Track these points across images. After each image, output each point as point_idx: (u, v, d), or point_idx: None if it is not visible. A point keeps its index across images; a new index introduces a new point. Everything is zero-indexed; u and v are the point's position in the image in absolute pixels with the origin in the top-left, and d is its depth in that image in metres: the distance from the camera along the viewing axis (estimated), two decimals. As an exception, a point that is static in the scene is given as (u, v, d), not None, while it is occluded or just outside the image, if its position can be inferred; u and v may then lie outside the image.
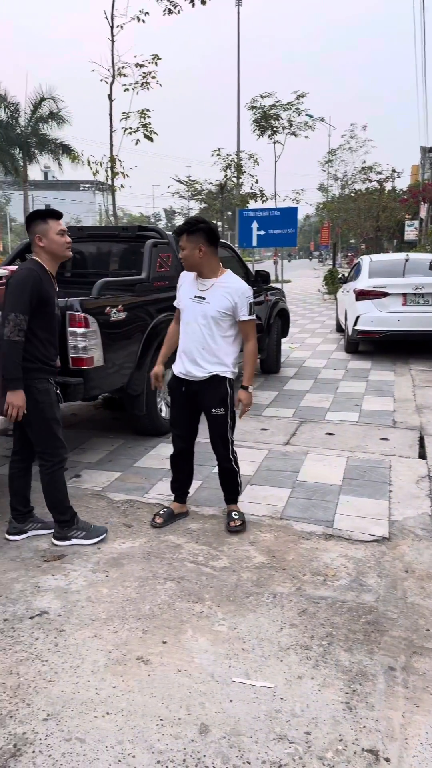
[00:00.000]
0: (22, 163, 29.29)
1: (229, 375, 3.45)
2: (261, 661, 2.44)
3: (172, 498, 3.82)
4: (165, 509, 3.71)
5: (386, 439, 5.26)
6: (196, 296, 3.42)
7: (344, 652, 2.49)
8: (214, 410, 3.46)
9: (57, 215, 3.26)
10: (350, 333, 9.40)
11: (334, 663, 2.42)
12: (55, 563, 3.17)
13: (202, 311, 3.40)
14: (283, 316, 8.34)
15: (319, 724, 2.11)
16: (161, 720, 2.12)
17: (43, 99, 27.43)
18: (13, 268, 3.88)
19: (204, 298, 3.39)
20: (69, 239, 3.26)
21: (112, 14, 11.07)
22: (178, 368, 3.54)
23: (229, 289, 3.36)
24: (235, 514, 3.59)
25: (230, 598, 2.86)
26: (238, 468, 3.61)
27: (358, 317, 9.04)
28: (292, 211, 13.82)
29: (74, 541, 3.33)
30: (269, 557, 3.24)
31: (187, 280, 3.52)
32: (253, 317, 3.43)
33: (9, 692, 2.25)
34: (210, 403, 3.46)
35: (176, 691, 2.26)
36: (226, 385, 3.44)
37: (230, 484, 3.63)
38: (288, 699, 2.23)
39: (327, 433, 5.45)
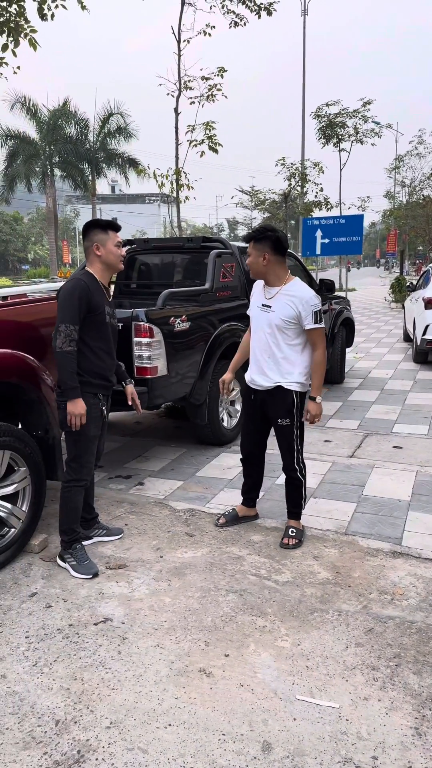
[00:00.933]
0: (90, 178, 30.21)
1: (295, 387, 3.38)
2: (325, 680, 2.37)
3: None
4: (230, 510, 3.78)
5: (457, 453, 5.06)
6: (263, 305, 3.42)
7: (413, 674, 2.39)
8: (279, 420, 3.43)
9: (116, 227, 3.30)
10: (419, 342, 9.14)
11: (403, 686, 2.33)
12: (118, 570, 3.20)
13: (267, 320, 3.38)
14: (348, 325, 8.20)
15: (386, 749, 2.03)
16: (223, 735, 2.09)
17: (111, 114, 28.29)
18: None
19: (269, 307, 3.38)
20: (124, 252, 3.31)
21: (179, 29, 11.28)
22: (248, 376, 3.55)
23: (294, 298, 3.32)
24: (292, 531, 3.50)
25: (293, 613, 2.81)
26: (304, 479, 3.55)
27: (427, 326, 8.79)
28: (358, 219, 13.62)
29: (66, 565, 3.22)
30: (334, 573, 3.16)
31: (257, 289, 3.52)
32: (320, 325, 3.36)
33: (73, 698, 2.28)
34: (276, 414, 3.44)
35: (239, 706, 2.23)
36: (292, 396, 3.39)
37: (294, 495, 3.56)
38: (354, 721, 2.16)
39: (394, 446, 5.29)
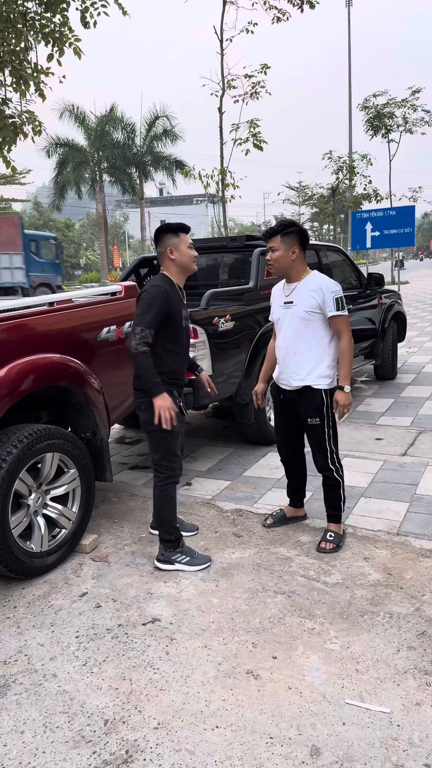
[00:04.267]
0: (138, 182, 30.61)
1: (323, 385, 3.30)
2: (376, 684, 2.32)
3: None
4: (278, 511, 3.75)
5: None
6: (285, 302, 3.38)
7: (468, 681, 2.30)
8: (309, 420, 3.37)
9: (186, 229, 3.31)
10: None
11: (457, 693, 2.25)
12: (166, 570, 3.22)
13: (291, 315, 3.34)
14: (399, 320, 8.00)
15: (440, 758, 1.96)
16: (271, 738, 2.07)
17: (157, 117, 28.58)
18: (128, 283, 4.03)
19: (291, 302, 3.33)
20: (196, 253, 3.32)
21: (222, 29, 11.28)
22: (275, 376, 3.52)
23: (313, 287, 3.27)
24: (330, 535, 3.40)
25: (343, 615, 2.76)
26: (341, 479, 3.44)
27: None
28: (409, 210, 13.31)
29: (177, 566, 3.23)
30: (385, 575, 3.09)
31: (276, 292, 3.50)
32: (343, 312, 3.26)
33: (122, 698, 2.30)
34: (305, 413, 3.38)
35: (286, 709, 2.20)
36: (321, 395, 3.31)
37: (332, 497, 3.44)
38: (405, 726, 2.10)
39: (448, 443, 5.13)
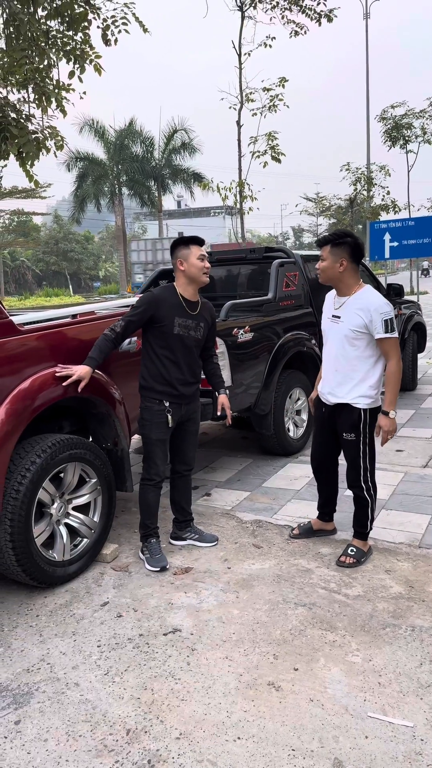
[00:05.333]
0: (157, 194, 30.90)
1: (362, 404, 3.22)
2: (399, 698, 2.30)
3: (302, 520, 3.77)
4: (305, 522, 3.74)
5: None
6: (333, 315, 3.32)
7: None
8: (345, 434, 3.31)
9: (199, 242, 3.42)
10: None
11: None
12: (186, 581, 3.23)
13: (337, 331, 3.26)
14: (419, 330, 7.96)
15: (465, 774, 1.94)
16: (293, 750, 2.07)
17: (175, 131, 28.88)
18: None
19: (339, 317, 3.26)
20: (208, 264, 3.40)
21: (240, 43, 11.42)
22: (319, 388, 3.48)
23: (363, 306, 3.16)
24: (352, 550, 3.36)
25: (365, 628, 2.74)
26: (371, 499, 3.35)
27: None
28: (428, 220, 13.25)
29: (142, 557, 3.48)
30: (407, 588, 3.06)
31: (328, 299, 3.44)
32: (392, 335, 3.13)
33: (144, 708, 2.31)
34: (342, 427, 3.32)
35: (308, 722, 2.20)
36: (359, 412, 3.23)
37: (359, 515, 3.40)
38: (429, 741, 2.08)
39: (469, 454, 5.08)
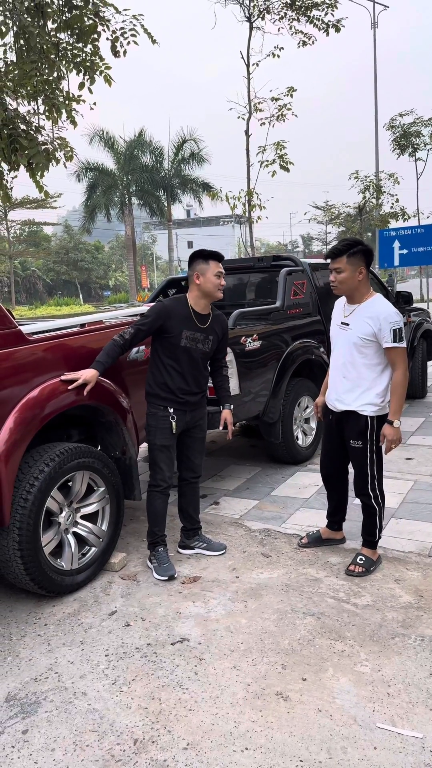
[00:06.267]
0: (166, 204, 31.06)
1: (369, 412, 3.22)
2: (408, 708, 2.28)
3: (311, 529, 3.75)
4: (314, 531, 3.72)
5: None
6: (342, 323, 3.31)
7: None
8: (352, 442, 3.30)
9: (217, 257, 3.44)
10: None
11: None
12: (194, 590, 3.22)
13: (345, 338, 3.26)
14: (429, 338, 7.93)
15: None
16: (301, 761, 2.05)
17: (184, 141, 29.04)
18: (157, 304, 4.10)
19: (348, 324, 3.26)
20: (224, 282, 3.44)
21: (248, 53, 11.49)
22: (327, 395, 3.47)
23: (372, 314, 3.15)
24: (361, 559, 3.33)
25: (374, 638, 2.72)
26: (379, 507, 3.33)
27: None
28: (436, 228, 13.22)
29: (150, 566, 3.49)
30: (417, 597, 3.04)
31: (338, 307, 3.43)
32: (400, 344, 3.11)
33: (151, 717, 2.30)
34: (349, 435, 3.31)
35: (317, 732, 2.18)
36: (365, 420, 3.22)
37: (367, 523, 3.38)
38: (439, 754, 2.05)
39: None
